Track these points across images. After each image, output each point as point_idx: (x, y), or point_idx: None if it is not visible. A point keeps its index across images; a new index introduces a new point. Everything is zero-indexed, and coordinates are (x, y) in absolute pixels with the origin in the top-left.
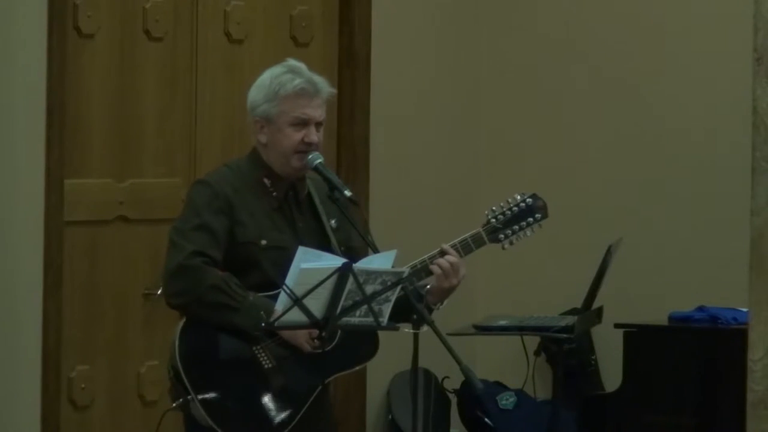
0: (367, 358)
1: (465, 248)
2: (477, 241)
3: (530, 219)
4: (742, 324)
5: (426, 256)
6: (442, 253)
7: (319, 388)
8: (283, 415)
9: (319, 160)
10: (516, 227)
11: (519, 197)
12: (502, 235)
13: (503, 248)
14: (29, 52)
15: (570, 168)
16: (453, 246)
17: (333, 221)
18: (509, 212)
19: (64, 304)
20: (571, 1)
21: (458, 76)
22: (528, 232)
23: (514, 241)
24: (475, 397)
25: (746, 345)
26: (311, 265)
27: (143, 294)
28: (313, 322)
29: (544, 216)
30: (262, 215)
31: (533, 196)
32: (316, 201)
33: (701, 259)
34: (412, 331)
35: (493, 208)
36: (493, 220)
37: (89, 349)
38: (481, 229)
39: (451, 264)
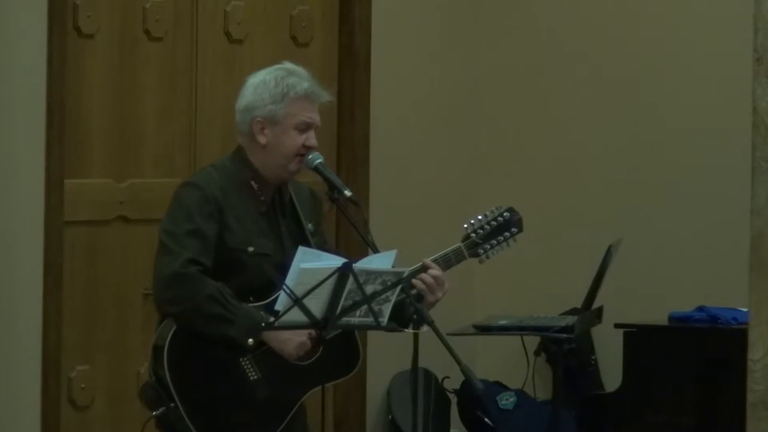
0: (350, 370)
1: (446, 263)
2: (458, 257)
3: (507, 233)
4: (742, 324)
5: (407, 271)
6: (425, 268)
7: (302, 399)
8: (266, 427)
9: (319, 160)
10: (494, 242)
11: (496, 211)
12: (480, 250)
13: (480, 262)
14: (29, 52)
15: (570, 168)
16: (434, 261)
17: (310, 225)
18: (488, 226)
19: (64, 304)
20: (571, 1)
21: (458, 75)
22: (504, 246)
23: (491, 256)
24: (475, 397)
25: (746, 345)
26: (311, 265)
27: (143, 294)
28: (313, 322)
29: (520, 230)
30: (249, 220)
31: (510, 210)
32: (297, 205)
33: (701, 259)
34: (412, 331)
35: (472, 221)
36: (473, 234)
37: (89, 349)
38: (461, 244)
39: (435, 278)
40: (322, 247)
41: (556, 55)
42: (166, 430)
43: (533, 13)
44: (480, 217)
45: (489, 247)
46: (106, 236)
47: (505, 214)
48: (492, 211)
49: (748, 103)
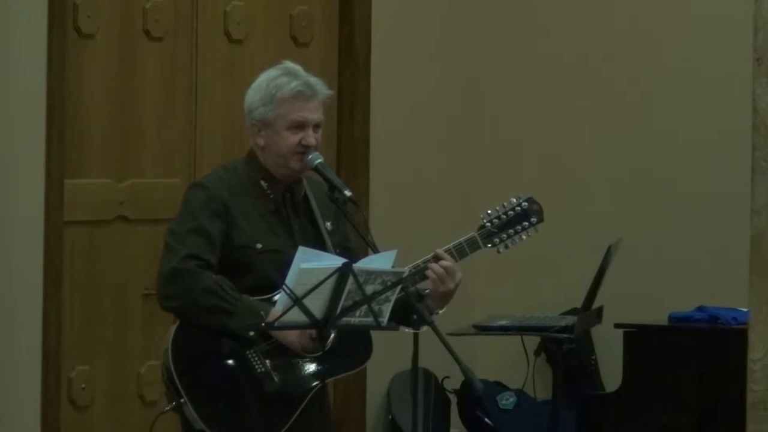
0: (362, 363)
1: (460, 252)
2: (472, 246)
3: (526, 223)
4: (742, 324)
5: (420, 261)
6: (436, 258)
7: (312, 392)
8: (275, 420)
9: (319, 160)
10: (511, 231)
11: (515, 201)
12: (497, 239)
13: (498, 252)
14: (29, 52)
15: (570, 167)
16: (447, 250)
17: (329, 223)
18: (504, 216)
19: (64, 304)
20: (570, 2)
21: (458, 75)
22: (524, 236)
23: (510, 245)
24: (475, 397)
25: (746, 345)
26: (311, 265)
27: (143, 294)
28: (313, 322)
29: (540, 220)
30: (258, 218)
31: (529, 199)
32: (313, 203)
33: (701, 259)
34: (412, 331)
35: (489, 211)
36: (488, 224)
37: (89, 349)
38: (476, 233)
39: (446, 268)
40: (343, 245)
41: (556, 56)
42: (183, 424)
43: (533, 13)
44: (497, 207)
45: (506, 236)
46: (106, 236)
47: (523, 203)
48: (510, 201)
49: (748, 103)
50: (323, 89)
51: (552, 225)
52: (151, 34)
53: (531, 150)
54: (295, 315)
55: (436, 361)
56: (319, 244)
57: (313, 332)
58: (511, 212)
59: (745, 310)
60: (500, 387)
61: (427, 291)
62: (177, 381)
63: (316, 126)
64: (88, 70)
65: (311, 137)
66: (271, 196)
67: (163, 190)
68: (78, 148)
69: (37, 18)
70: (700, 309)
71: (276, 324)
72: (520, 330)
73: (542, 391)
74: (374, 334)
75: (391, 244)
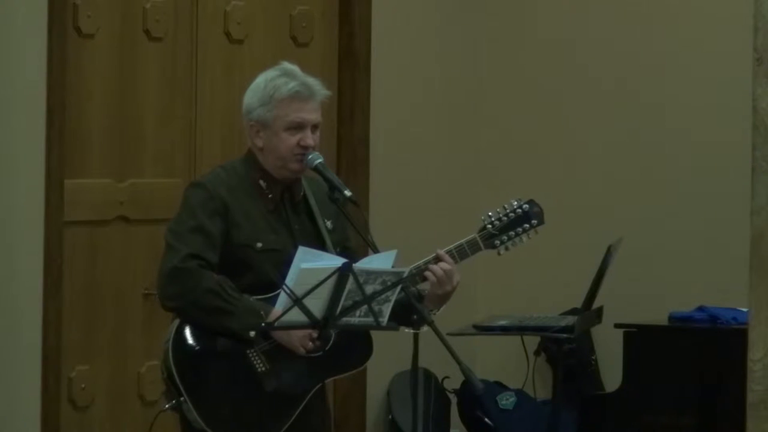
0: (362, 363)
1: (461, 254)
2: (473, 247)
3: (526, 225)
4: (742, 324)
5: (421, 262)
6: (437, 259)
7: (312, 392)
8: (275, 419)
9: (319, 160)
10: (512, 233)
11: (516, 203)
12: (497, 241)
13: (499, 254)
14: (29, 52)
15: (570, 168)
16: (448, 251)
17: (329, 222)
18: (505, 218)
19: (64, 304)
20: (571, 1)
21: (458, 75)
22: (524, 238)
23: (510, 247)
24: (475, 397)
25: (746, 345)
26: (311, 265)
27: (143, 294)
28: (313, 322)
29: (540, 222)
30: (258, 217)
31: (530, 202)
32: (312, 202)
33: (701, 259)
34: (412, 331)
35: (489, 213)
36: (489, 225)
37: (89, 349)
38: (476, 235)
39: (445, 271)
40: (343, 244)
41: (556, 55)
42: (181, 423)
43: (533, 12)
44: (498, 209)
45: (507, 238)
46: (106, 236)
47: (524, 206)
48: (511, 203)
49: (748, 103)
50: (321, 90)
51: (552, 225)
52: (151, 34)
53: (531, 150)
54: (295, 315)
55: (436, 361)
56: (319, 243)
57: (314, 332)
58: (512, 214)
59: (745, 310)
60: (500, 387)
61: (425, 292)
62: (177, 379)
63: (315, 127)
64: (88, 70)
65: (310, 138)
66: (270, 195)
67: (163, 190)
68: (78, 148)
69: (37, 18)
70: (700, 309)
71: (276, 324)
72: (520, 330)
73: (542, 391)
74: (374, 334)
75: (391, 244)
